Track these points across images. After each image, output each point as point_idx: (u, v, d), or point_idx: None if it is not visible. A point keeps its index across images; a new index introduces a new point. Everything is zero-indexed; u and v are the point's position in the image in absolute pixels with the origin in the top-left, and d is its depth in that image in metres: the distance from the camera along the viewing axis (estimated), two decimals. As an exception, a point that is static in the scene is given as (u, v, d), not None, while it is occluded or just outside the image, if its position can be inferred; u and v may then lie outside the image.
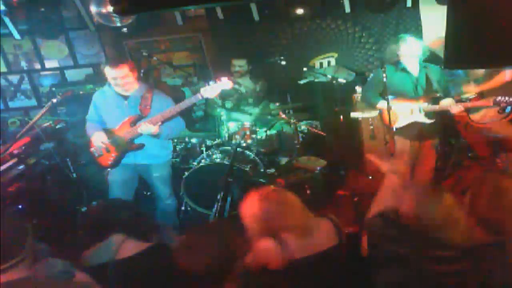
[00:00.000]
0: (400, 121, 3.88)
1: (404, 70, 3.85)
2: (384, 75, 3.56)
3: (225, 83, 3.55)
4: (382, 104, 3.91)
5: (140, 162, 3.77)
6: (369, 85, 4.16)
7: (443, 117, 3.93)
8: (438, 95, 3.82)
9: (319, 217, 2.17)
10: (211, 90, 3.53)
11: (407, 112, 3.86)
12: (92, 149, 3.72)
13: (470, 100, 4.14)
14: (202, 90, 3.54)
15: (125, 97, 3.63)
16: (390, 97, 3.64)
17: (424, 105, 3.83)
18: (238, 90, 5.07)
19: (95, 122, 3.76)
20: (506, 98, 3.62)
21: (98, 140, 3.66)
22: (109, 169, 3.82)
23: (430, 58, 3.97)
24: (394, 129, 3.83)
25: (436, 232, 1.73)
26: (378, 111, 4.08)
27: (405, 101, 3.85)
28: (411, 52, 3.79)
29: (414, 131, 3.91)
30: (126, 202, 2.76)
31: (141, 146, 3.68)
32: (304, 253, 2.00)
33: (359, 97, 4.87)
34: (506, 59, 1.46)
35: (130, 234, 2.24)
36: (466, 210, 1.76)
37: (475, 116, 4.14)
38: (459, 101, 3.95)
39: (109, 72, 3.49)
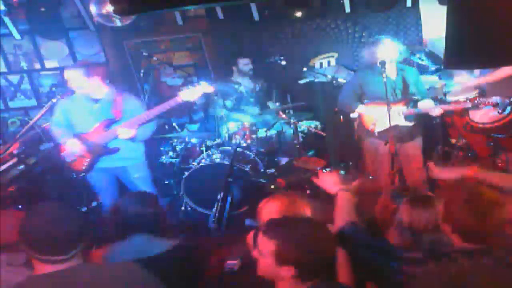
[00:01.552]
0: (380, 125, 3.84)
1: (380, 74, 3.74)
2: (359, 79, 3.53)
3: (205, 87, 3.47)
4: (360, 109, 3.89)
5: (116, 165, 3.68)
6: (345, 90, 4.09)
7: (443, 117, 3.92)
8: (415, 97, 3.81)
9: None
10: (190, 93, 3.43)
11: (386, 116, 3.74)
12: (63, 154, 3.61)
13: (470, 99, 4.13)
14: (180, 93, 3.44)
15: (95, 101, 3.53)
16: (367, 101, 3.61)
17: (403, 108, 3.81)
18: (238, 90, 5.06)
19: (62, 127, 3.64)
20: (484, 99, 3.63)
21: (73, 147, 3.54)
22: (83, 174, 3.70)
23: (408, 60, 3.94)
24: (376, 134, 3.83)
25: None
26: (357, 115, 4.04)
27: (383, 105, 3.69)
28: (388, 55, 3.70)
29: (395, 134, 3.81)
30: (149, 194, 2.50)
31: (116, 150, 3.59)
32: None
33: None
34: (506, 59, 1.46)
35: (153, 232, 2.16)
36: (441, 217, 1.80)
37: (475, 116, 4.13)
38: (443, 103, 3.94)
39: None
